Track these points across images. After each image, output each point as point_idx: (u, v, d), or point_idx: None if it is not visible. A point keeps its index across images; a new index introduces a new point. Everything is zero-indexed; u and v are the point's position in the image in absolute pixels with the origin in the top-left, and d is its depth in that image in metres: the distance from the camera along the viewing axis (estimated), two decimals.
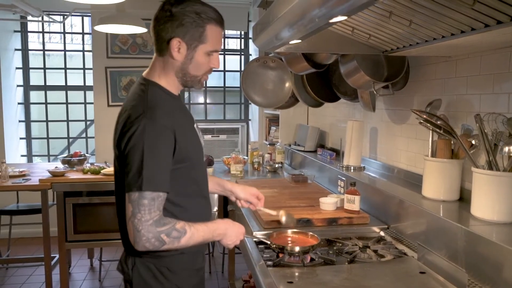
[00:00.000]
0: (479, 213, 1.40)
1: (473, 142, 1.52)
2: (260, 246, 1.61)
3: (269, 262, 1.45)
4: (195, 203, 1.35)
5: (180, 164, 1.26)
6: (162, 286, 1.30)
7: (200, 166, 1.38)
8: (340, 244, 1.63)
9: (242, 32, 5.10)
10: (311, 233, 1.61)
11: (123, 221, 1.27)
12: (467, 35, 1.16)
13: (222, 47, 1.32)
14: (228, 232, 1.36)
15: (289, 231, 1.65)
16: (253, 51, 4.97)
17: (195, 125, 1.40)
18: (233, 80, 5.22)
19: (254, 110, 5.01)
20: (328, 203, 1.97)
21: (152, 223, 1.16)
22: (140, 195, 1.15)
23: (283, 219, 1.74)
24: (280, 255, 1.49)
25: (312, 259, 1.47)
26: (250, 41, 5.08)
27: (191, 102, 5.17)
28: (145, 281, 1.29)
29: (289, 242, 1.59)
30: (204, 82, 1.36)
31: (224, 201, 3.02)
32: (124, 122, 1.22)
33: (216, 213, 3.24)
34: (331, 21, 1.06)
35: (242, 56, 5.17)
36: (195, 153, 1.34)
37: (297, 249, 1.47)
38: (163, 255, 1.28)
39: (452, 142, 1.64)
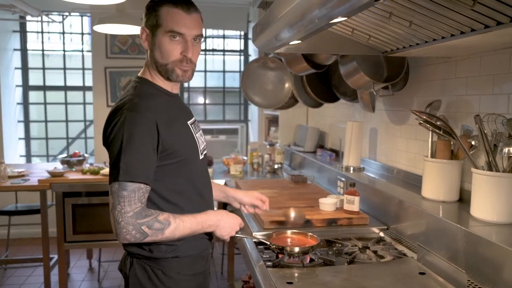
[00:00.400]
0: (478, 214, 1.40)
1: (473, 143, 1.52)
2: (259, 246, 1.61)
3: (269, 263, 1.45)
4: (189, 201, 1.33)
5: (170, 160, 1.26)
6: (157, 287, 1.29)
7: (195, 164, 1.35)
8: (340, 245, 1.63)
9: (242, 33, 5.10)
10: (310, 233, 1.60)
11: None
12: (467, 36, 1.16)
13: (196, 33, 1.28)
14: (221, 223, 1.33)
15: (289, 231, 1.65)
16: (253, 52, 4.97)
17: (189, 122, 1.37)
18: (233, 81, 5.22)
19: (253, 110, 5.01)
20: (327, 204, 1.97)
21: (133, 215, 1.16)
22: (120, 187, 1.15)
23: (292, 215, 1.74)
24: (280, 255, 1.49)
25: (311, 260, 1.47)
26: (250, 41, 5.08)
27: (190, 102, 5.17)
28: (140, 282, 1.29)
29: (289, 242, 1.59)
30: (184, 74, 1.29)
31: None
32: (109, 116, 1.24)
33: None
34: (331, 22, 1.06)
35: (242, 57, 5.17)
36: (187, 150, 1.31)
37: (296, 249, 1.47)
38: (158, 257, 1.28)
39: (451, 143, 1.64)
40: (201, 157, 1.39)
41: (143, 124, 1.19)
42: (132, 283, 1.31)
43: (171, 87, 1.35)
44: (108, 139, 1.22)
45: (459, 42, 1.27)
